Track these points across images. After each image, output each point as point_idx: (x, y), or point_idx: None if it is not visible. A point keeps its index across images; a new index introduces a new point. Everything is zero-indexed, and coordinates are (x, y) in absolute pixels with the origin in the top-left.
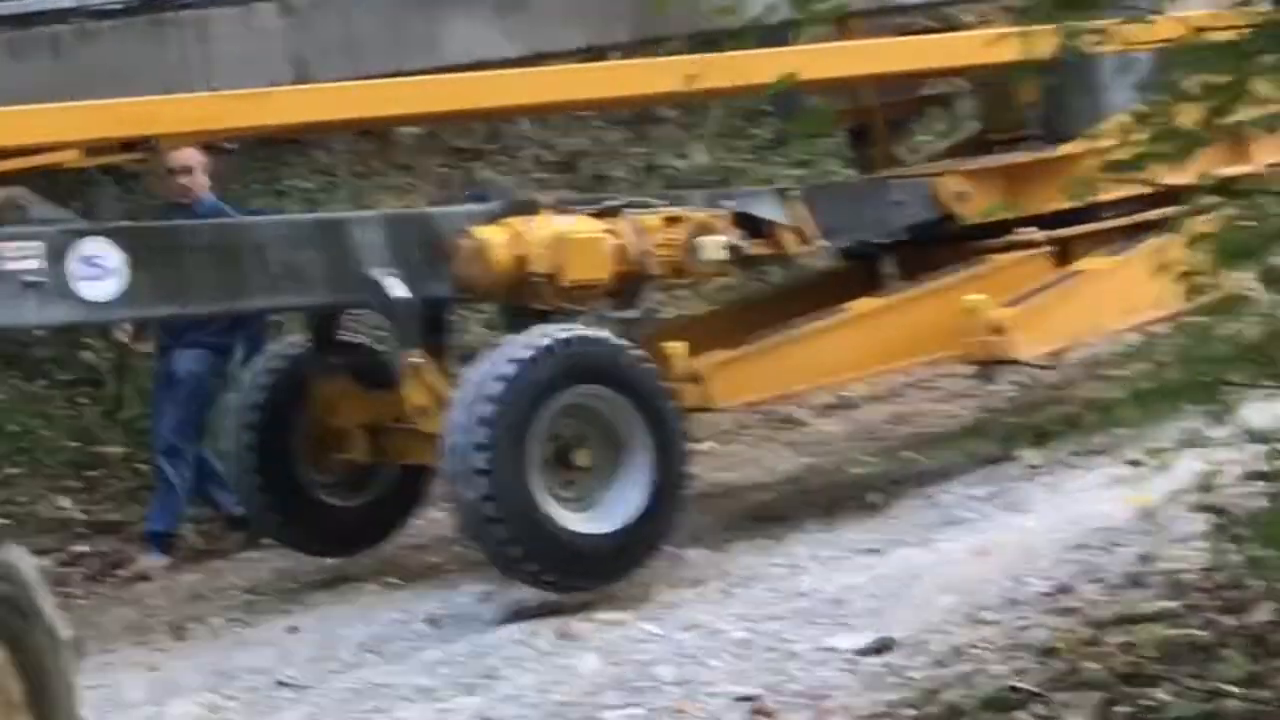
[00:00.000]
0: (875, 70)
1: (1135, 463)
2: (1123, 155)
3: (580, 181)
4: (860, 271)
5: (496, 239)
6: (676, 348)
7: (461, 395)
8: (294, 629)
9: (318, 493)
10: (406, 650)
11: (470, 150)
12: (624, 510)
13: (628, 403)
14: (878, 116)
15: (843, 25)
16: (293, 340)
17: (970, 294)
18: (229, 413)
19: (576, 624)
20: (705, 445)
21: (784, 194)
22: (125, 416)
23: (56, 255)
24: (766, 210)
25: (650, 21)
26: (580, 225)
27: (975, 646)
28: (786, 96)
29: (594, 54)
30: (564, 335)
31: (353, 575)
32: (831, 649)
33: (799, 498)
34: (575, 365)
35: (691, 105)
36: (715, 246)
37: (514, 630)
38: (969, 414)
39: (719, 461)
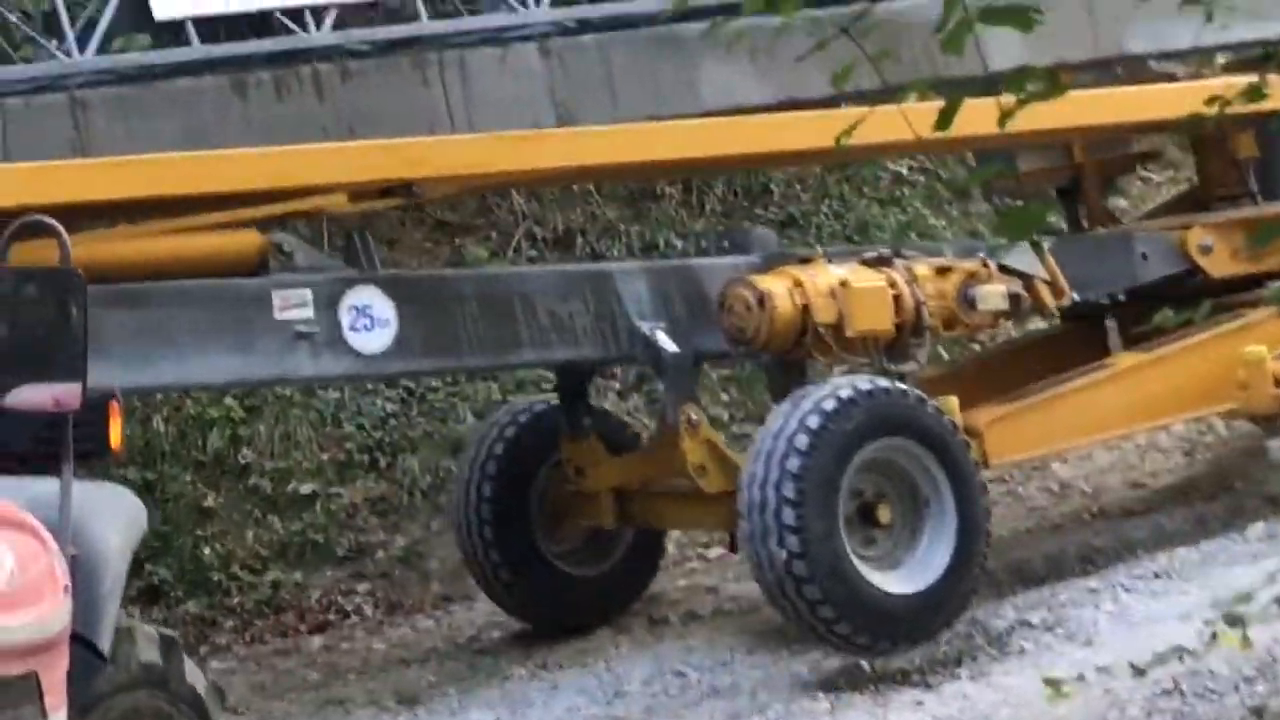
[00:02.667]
0: (1091, 122)
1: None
2: None
3: (577, 261)
4: (1086, 331)
5: (778, 289)
6: (951, 402)
7: (762, 450)
8: None
9: (553, 559)
10: None
11: (457, 225)
12: (931, 568)
13: (930, 456)
14: (1089, 172)
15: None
16: (531, 400)
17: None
18: (460, 470)
19: None
20: (713, 552)
21: (1036, 246)
22: None
23: (328, 304)
24: (1023, 262)
25: (893, 69)
26: (860, 274)
27: None
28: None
29: (837, 102)
30: (866, 386)
31: (341, 695)
32: None
33: None
34: (879, 417)
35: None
36: (996, 296)
37: None
38: None
39: (739, 568)
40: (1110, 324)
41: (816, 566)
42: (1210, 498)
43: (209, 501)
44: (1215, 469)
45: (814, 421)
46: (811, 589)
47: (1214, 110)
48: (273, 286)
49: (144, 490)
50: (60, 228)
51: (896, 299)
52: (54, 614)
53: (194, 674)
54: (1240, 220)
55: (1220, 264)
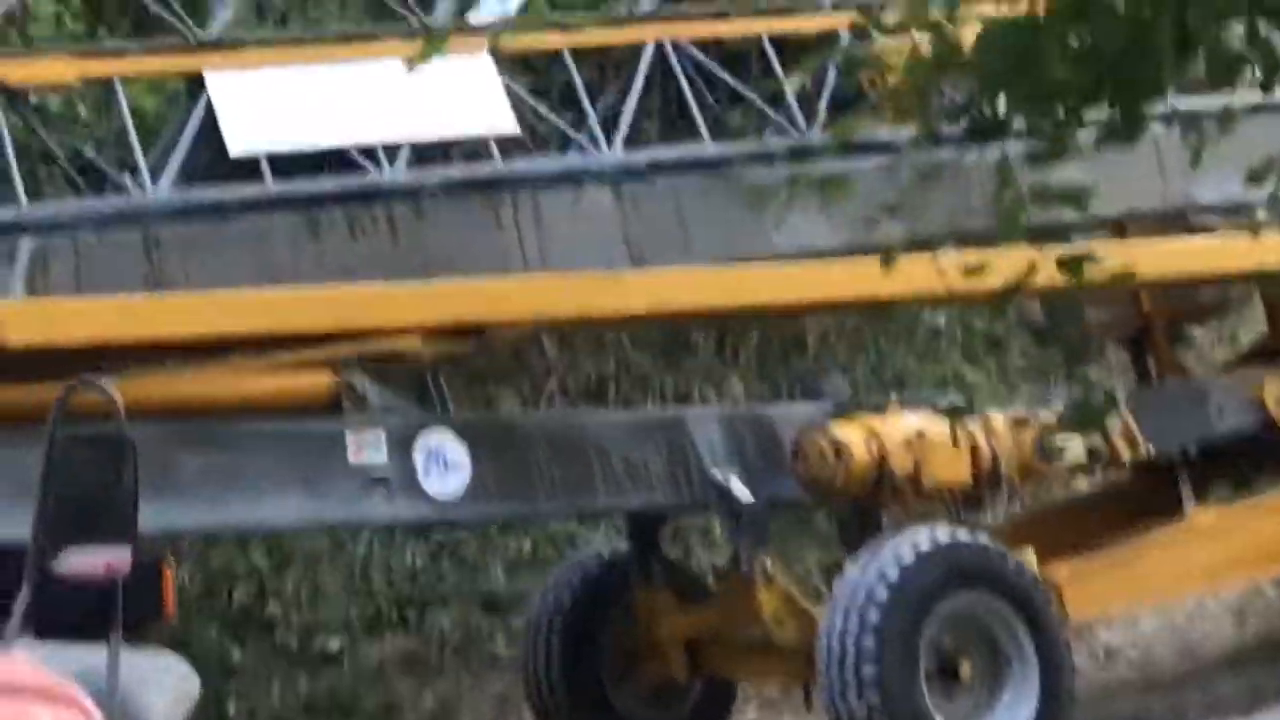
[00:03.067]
0: (1164, 272)
1: None
2: None
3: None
4: (1159, 482)
5: (854, 438)
6: (1029, 555)
7: (841, 602)
8: None
9: (622, 709)
10: None
11: (490, 371)
12: None
13: (1011, 610)
14: (1159, 323)
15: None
16: (598, 550)
17: None
18: (531, 616)
19: None
20: (749, 716)
21: (1111, 400)
22: None
23: (401, 447)
24: None
25: (962, 216)
26: (936, 425)
27: None
28: (1061, 312)
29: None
30: (945, 539)
31: None
32: None
33: None
34: (958, 570)
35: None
36: (1073, 449)
37: None
38: None
39: None
40: (1183, 475)
41: None
42: (1263, 665)
43: (235, 657)
44: (1267, 635)
45: (893, 574)
46: None
47: None
48: (346, 428)
49: (168, 644)
50: (111, 390)
51: (973, 450)
52: None
53: None
54: None
55: None
